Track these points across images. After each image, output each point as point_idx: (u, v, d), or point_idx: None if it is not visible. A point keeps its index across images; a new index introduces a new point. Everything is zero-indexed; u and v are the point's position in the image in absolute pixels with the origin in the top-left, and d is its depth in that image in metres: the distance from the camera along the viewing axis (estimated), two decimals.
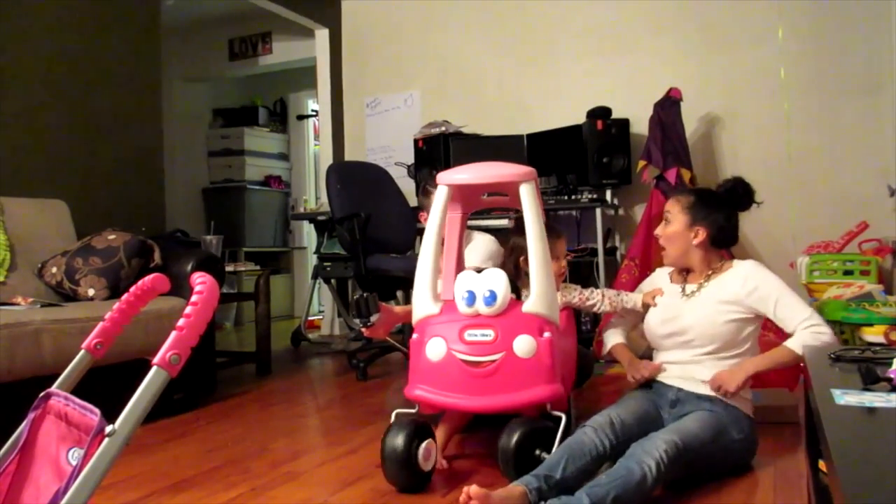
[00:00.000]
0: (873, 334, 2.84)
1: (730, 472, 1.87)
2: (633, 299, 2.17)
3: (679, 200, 2.06)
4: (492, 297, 1.85)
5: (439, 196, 2.00)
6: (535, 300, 1.87)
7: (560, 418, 1.77)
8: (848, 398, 1.21)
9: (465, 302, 1.87)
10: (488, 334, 1.83)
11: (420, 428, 1.84)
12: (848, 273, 3.24)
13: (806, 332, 1.88)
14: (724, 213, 2.02)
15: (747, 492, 1.80)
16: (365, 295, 2.06)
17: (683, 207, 2.04)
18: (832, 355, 1.62)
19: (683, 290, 2.05)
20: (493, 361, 1.80)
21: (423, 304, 1.96)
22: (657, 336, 2.07)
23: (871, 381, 1.31)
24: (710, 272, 2.03)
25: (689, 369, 1.98)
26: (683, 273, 2.10)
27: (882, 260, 3.32)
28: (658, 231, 2.09)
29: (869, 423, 1.13)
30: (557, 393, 1.82)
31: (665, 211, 2.09)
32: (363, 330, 2.12)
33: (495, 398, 1.80)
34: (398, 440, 1.79)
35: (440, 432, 2.06)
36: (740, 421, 1.89)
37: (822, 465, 1.45)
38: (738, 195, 2.04)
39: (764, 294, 1.93)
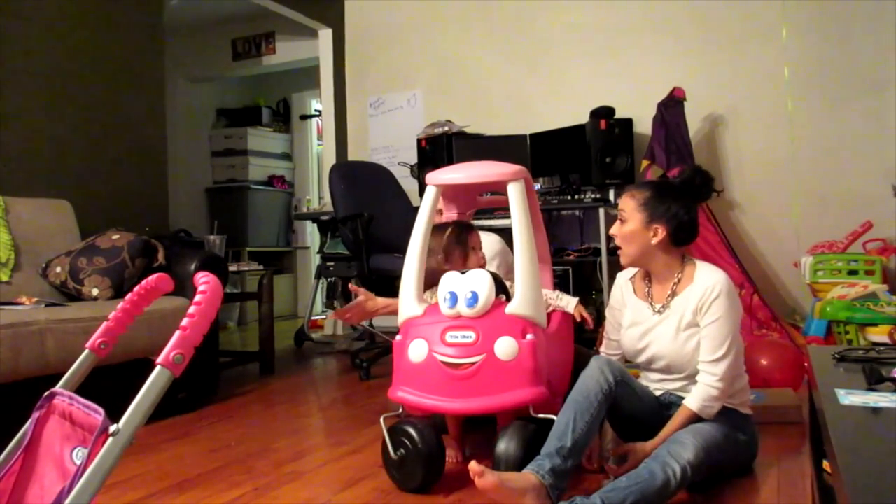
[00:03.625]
0: (878, 334, 2.84)
1: (733, 473, 1.87)
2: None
3: (633, 196, 1.90)
4: (473, 299, 1.83)
5: (427, 197, 1.99)
6: (518, 302, 1.84)
7: (552, 421, 1.76)
8: (852, 398, 1.20)
9: (448, 303, 1.85)
10: (469, 336, 1.80)
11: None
12: (852, 273, 3.23)
13: (703, 387, 1.78)
14: (683, 206, 1.86)
15: (751, 492, 1.79)
16: (333, 280, 2.05)
17: (639, 204, 1.88)
18: (836, 355, 1.62)
19: (651, 306, 1.93)
20: (474, 363, 1.78)
21: (407, 305, 1.95)
22: (633, 359, 2.00)
23: (875, 381, 1.31)
24: (675, 281, 1.89)
25: (674, 392, 1.93)
26: (647, 280, 1.97)
27: (886, 260, 3.31)
28: (613, 230, 1.94)
29: (873, 423, 1.12)
30: (540, 396, 1.79)
31: (619, 209, 1.92)
32: (331, 313, 2.10)
33: (476, 401, 1.78)
34: (430, 438, 1.80)
35: (452, 427, 2.08)
36: (742, 422, 1.88)
37: (826, 465, 1.45)
38: (696, 186, 1.91)
39: (708, 315, 1.81)
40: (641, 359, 1.95)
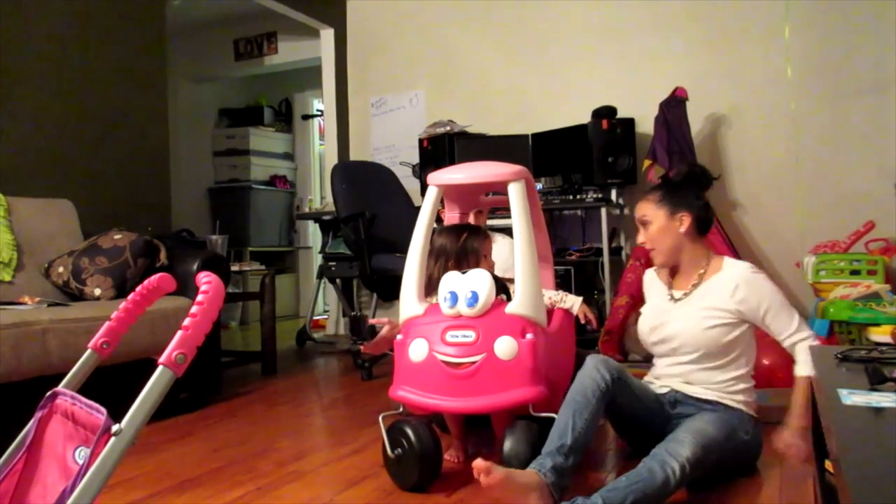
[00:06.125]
0: (880, 334, 2.83)
1: (736, 473, 1.87)
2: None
3: (649, 199, 1.99)
4: (474, 299, 1.83)
5: (429, 197, 2.00)
6: (519, 301, 1.85)
7: (553, 419, 1.76)
8: (855, 398, 1.20)
9: (448, 303, 1.86)
10: (469, 335, 1.81)
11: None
12: (855, 273, 3.22)
13: (804, 350, 1.84)
14: (695, 195, 1.97)
15: (753, 492, 1.79)
16: (357, 315, 2.08)
17: (656, 202, 1.96)
18: (838, 355, 1.62)
19: (671, 295, 1.99)
20: (474, 363, 1.79)
21: (408, 304, 1.95)
22: (647, 343, 2.03)
23: (877, 381, 1.30)
24: (699, 273, 1.95)
25: (682, 382, 1.95)
26: (671, 275, 2.04)
27: (889, 260, 3.31)
28: (640, 238, 2.00)
29: (876, 423, 1.12)
30: (540, 395, 1.79)
31: (640, 216, 2.00)
32: (361, 347, 2.15)
33: (476, 400, 1.79)
34: (426, 437, 1.81)
35: (453, 427, 2.08)
36: (746, 422, 1.88)
37: (828, 465, 1.44)
38: (697, 175, 2.01)
39: (754, 304, 1.88)
40: (654, 338, 1.99)
